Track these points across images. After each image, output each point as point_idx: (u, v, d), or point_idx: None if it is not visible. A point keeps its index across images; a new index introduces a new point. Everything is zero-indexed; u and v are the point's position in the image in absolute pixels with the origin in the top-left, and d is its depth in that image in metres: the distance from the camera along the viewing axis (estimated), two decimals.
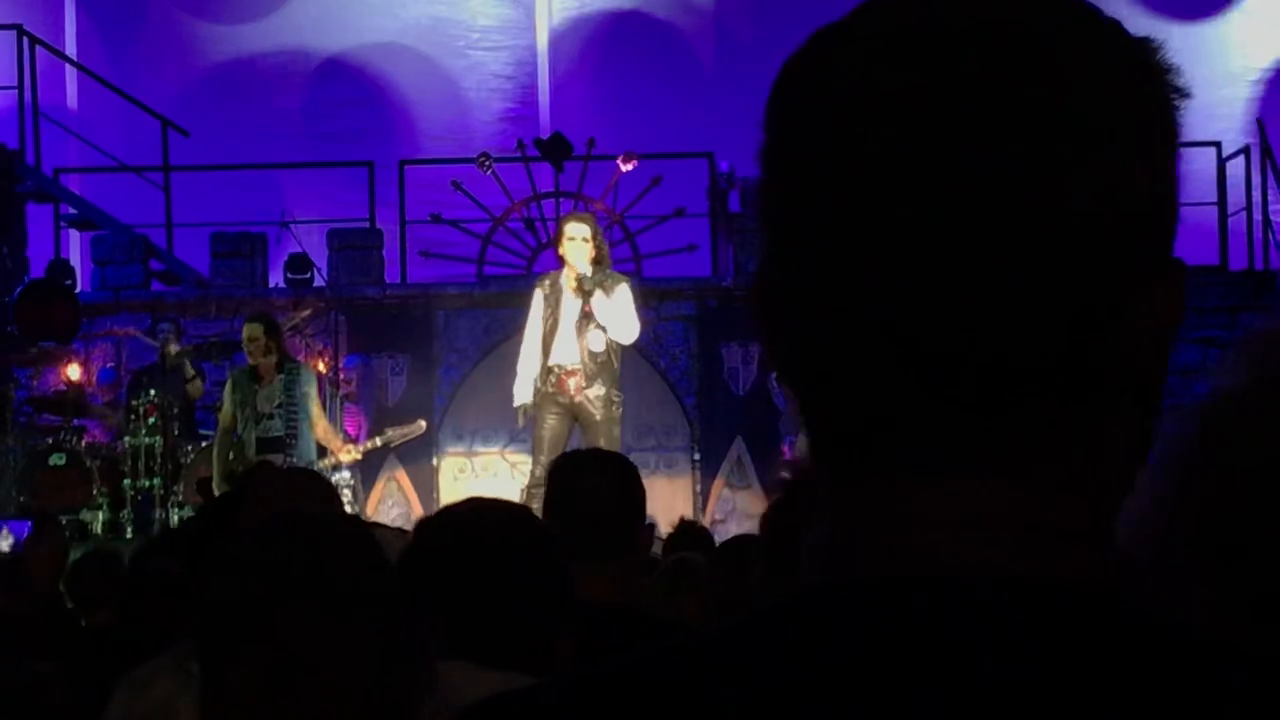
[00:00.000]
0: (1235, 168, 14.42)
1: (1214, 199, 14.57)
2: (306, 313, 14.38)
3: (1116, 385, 1.07)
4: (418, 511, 14.18)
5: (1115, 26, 1.08)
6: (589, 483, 4.19)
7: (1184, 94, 1.08)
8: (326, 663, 2.22)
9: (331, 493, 3.84)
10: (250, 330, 12.10)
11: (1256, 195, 14.20)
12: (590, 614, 3.64)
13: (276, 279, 15.59)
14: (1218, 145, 14.63)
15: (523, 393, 11.20)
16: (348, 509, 12.60)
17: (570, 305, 11.04)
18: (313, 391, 12.21)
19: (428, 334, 14.86)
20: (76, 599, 7.53)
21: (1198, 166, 14.97)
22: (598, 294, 10.94)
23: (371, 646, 2.24)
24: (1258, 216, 14.21)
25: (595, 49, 17.96)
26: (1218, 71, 15.57)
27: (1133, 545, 1.55)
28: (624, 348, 11.23)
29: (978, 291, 1.03)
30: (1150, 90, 1.07)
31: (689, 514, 13.11)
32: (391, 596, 2.31)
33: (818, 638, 1.04)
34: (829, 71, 1.07)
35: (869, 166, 1.04)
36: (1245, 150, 14.33)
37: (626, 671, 1.07)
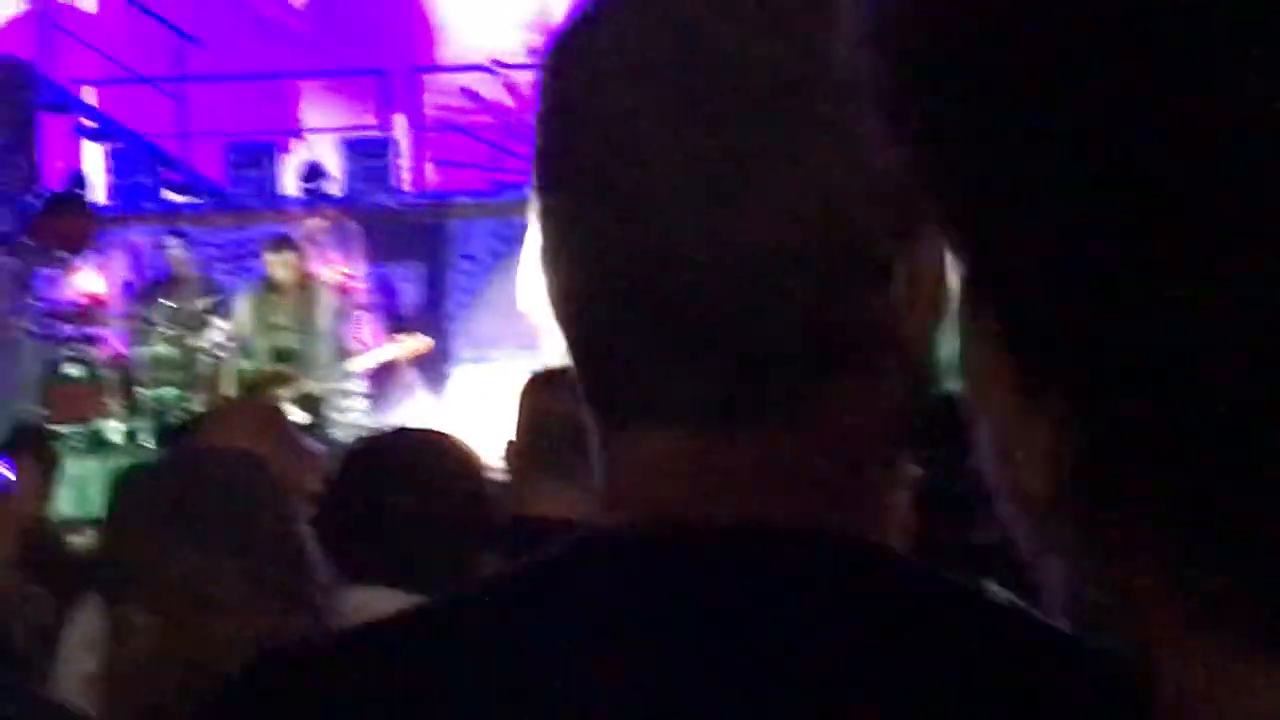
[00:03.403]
0: None
1: None
2: (320, 222, 14.37)
3: (864, 350, 1.07)
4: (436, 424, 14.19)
5: None
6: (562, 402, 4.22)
7: None
8: (214, 602, 2.23)
9: (277, 428, 3.82)
10: (270, 246, 12.23)
11: None
12: (546, 530, 3.68)
13: (291, 189, 15.57)
14: None
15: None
16: (364, 420, 12.64)
17: None
18: (328, 305, 12.26)
19: (442, 243, 14.83)
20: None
21: None
22: None
23: (262, 586, 2.26)
24: None
25: None
26: None
27: None
28: None
29: (721, 252, 1.04)
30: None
31: None
32: (286, 536, 2.32)
33: (576, 590, 1.08)
34: (590, 42, 1.09)
35: (622, 130, 1.06)
36: None
37: (393, 626, 1.14)
